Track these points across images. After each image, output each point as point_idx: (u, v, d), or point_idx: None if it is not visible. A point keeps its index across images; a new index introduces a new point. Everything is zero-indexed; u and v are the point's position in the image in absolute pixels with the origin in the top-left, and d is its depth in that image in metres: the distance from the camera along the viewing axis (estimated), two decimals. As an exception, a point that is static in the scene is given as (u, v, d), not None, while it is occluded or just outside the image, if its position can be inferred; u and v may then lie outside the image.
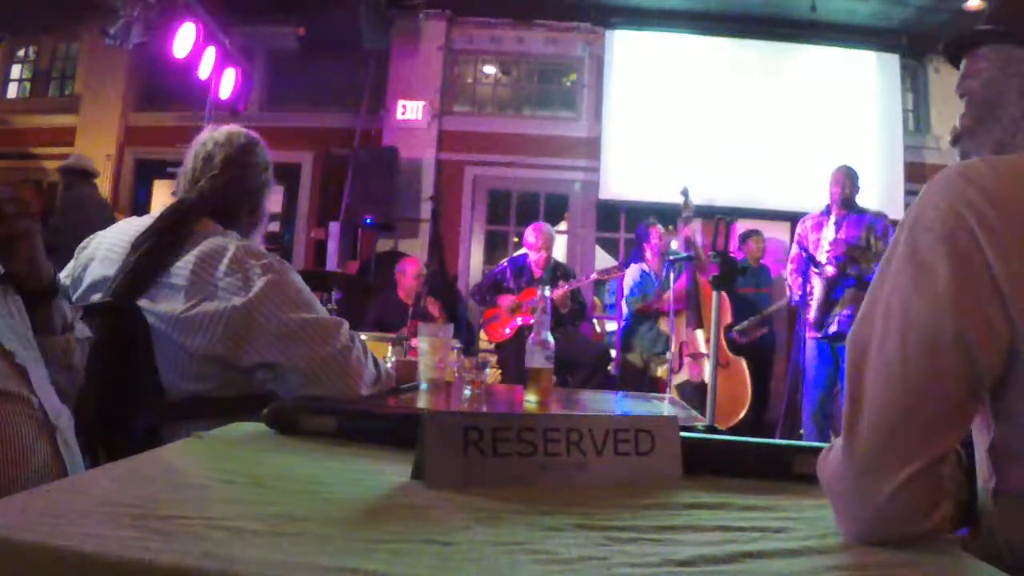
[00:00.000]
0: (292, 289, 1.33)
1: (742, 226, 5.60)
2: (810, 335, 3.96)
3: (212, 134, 1.52)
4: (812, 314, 3.91)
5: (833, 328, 3.91)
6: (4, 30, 5.99)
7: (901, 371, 0.65)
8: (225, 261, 1.31)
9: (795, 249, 4.17)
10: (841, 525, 0.67)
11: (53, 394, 1.00)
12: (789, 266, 4.23)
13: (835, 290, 3.92)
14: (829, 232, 3.98)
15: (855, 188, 4.04)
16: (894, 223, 6.10)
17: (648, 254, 4.73)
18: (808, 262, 3.93)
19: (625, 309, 4.75)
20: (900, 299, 0.67)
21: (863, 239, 3.93)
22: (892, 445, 0.64)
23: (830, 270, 3.88)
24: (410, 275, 4.70)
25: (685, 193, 4.58)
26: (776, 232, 6.26)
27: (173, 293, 1.30)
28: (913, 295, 0.66)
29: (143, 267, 1.32)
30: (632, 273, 4.69)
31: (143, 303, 1.30)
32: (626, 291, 4.71)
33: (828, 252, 3.91)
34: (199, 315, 1.27)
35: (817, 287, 3.93)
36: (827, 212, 4.07)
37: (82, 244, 1.50)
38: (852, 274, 3.90)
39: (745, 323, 4.82)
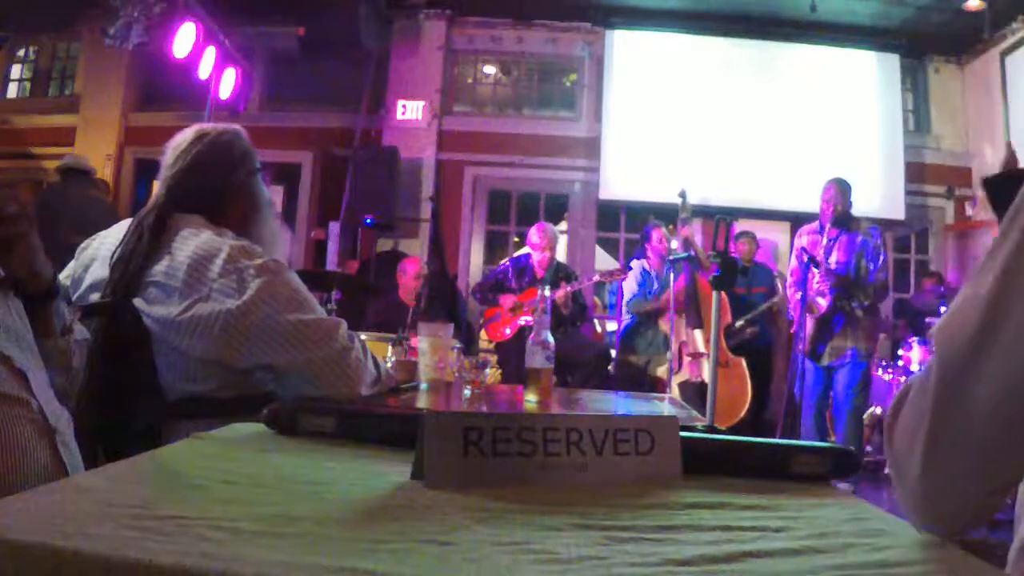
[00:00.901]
0: (288, 290, 1.31)
1: (739, 227, 5.60)
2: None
3: (173, 139, 1.53)
4: (806, 347, 3.84)
5: (826, 361, 3.88)
6: (6, 29, 5.98)
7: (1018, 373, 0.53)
8: (219, 262, 1.30)
9: (794, 262, 4.07)
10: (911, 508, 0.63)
11: (53, 397, 1.00)
12: (789, 279, 4.20)
13: (828, 322, 3.87)
14: (823, 254, 3.88)
15: (848, 203, 3.91)
16: (898, 224, 6.13)
17: (649, 254, 4.74)
18: (807, 269, 3.86)
19: (626, 315, 4.75)
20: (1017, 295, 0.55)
21: (853, 264, 3.84)
22: (992, 461, 0.57)
23: (822, 302, 3.80)
24: (410, 275, 4.70)
25: (683, 195, 4.58)
26: (776, 233, 6.27)
27: (168, 295, 1.29)
28: None
29: (121, 272, 1.33)
30: (634, 271, 4.70)
31: (139, 304, 1.30)
32: (627, 294, 4.71)
33: (819, 283, 3.81)
34: (194, 318, 1.26)
35: (808, 322, 3.83)
36: (820, 229, 3.97)
37: (83, 244, 1.50)
38: (843, 307, 3.83)
39: (734, 324, 4.82)
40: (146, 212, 1.41)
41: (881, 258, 3.87)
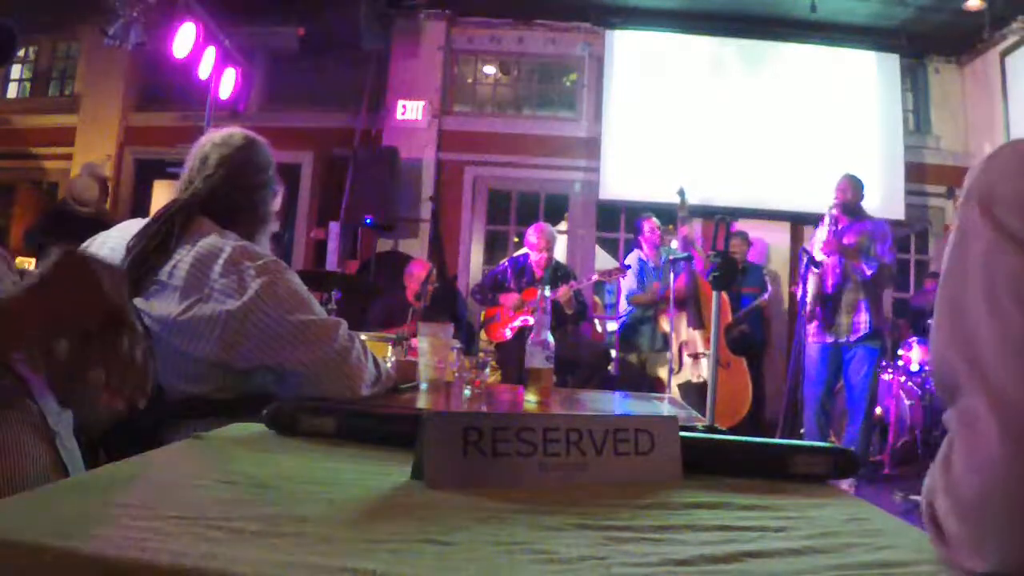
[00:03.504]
0: (288, 290, 1.31)
1: (737, 228, 5.60)
2: (812, 339, 3.96)
3: (211, 135, 1.52)
4: (808, 309, 3.95)
5: (844, 335, 3.97)
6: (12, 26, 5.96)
7: None
8: (221, 262, 1.30)
9: (805, 258, 4.21)
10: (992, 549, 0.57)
11: (52, 399, 0.99)
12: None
13: (838, 291, 3.95)
14: (829, 235, 4.03)
15: (859, 195, 4.13)
16: (898, 224, 6.13)
17: (643, 245, 4.76)
18: (807, 267, 3.95)
19: (624, 305, 4.75)
20: (1004, 280, 0.57)
21: (860, 244, 4.00)
22: None
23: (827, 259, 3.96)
24: (417, 278, 4.70)
25: (681, 192, 4.59)
26: (776, 232, 6.27)
27: (169, 294, 1.29)
28: (1020, 269, 0.57)
29: (134, 268, 1.32)
30: (630, 261, 4.71)
31: (139, 304, 1.30)
32: (625, 288, 4.72)
33: (827, 258, 3.96)
34: (194, 319, 1.26)
35: (811, 285, 3.96)
36: (833, 220, 4.12)
37: (84, 244, 1.50)
38: (851, 274, 3.96)
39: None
40: (176, 210, 1.40)
41: (888, 240, 4.06)
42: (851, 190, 4.12)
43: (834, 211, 4.10)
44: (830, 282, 3.99)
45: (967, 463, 0.59)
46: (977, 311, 0.58)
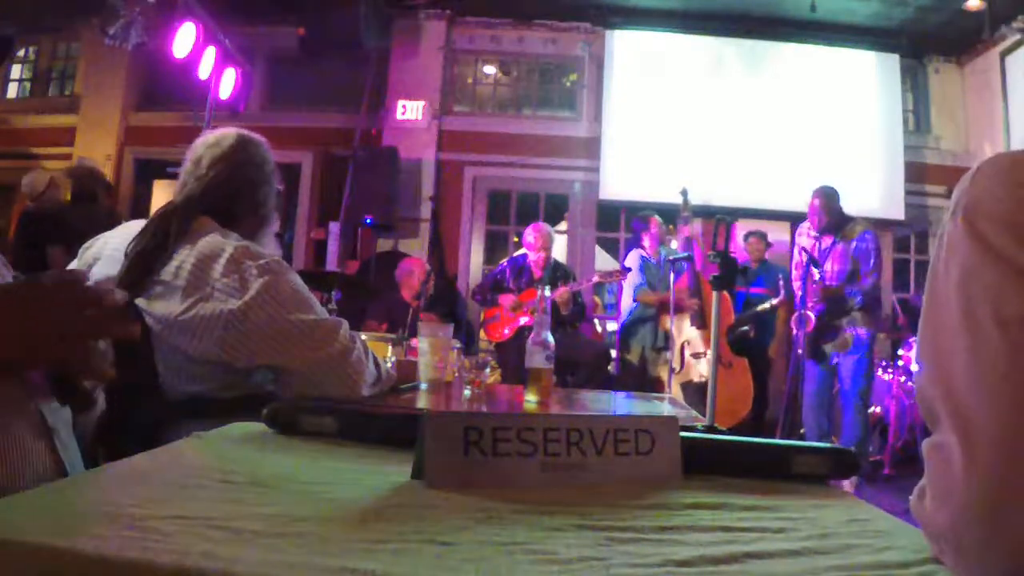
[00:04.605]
0: (289, 290, 1.32)
1: (744, 227, 5.61)
2: (807, 340, 3.97)
3: (204, 137, 1.53)
4: (803, 347, 3.93)
5: (838, 352, 4.02)
6: (9, 26, 5.95)
7: (1014, 368, 0.52)
8: (222, 262, 1.30)
9: (798, 256, 4.17)
10: None
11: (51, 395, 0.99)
12: (794, 273, 4.25)
13: (821, 336, 3.99)
14: (823, 264, 4.00)
15: (836, 208, 4.00)
16: (898, 224, 6.13)
17: (646, 242, 4.74)
18: (807, 268, 3.93)
19: (628, 302, 4.73)
20: (983, 296, 0.56)
21: (848, 270, 3.96)
22: None
23: (811, 316, 3.94)
24: (416, 277, 4.70)
25: (684, 193, 4.58)
26: (776, 232, 6.27)
27: (171, 294, 1.29)
28: (1000, 285, 0.55)
29: (134, 269, 1.32)
30: (632, 260, 4.70)
31: (141, 304, 1.30)
32: (628, 288, 4.70)
33: (812, 302, 3.94)
34: (196, 318, 1.27)
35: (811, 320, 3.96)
36: (818, 235, 4.09)
37: (86, 244, 1.50)
38: (835, 324, 4.00)
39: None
40: (172, 211, 1.40)
41: (872, 260, 3.96)
42: (827, 208, 3.95)
43: (812, 231, 4.05)
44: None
45: (935, 495, 0.57)
46: (953, 329, 0.56)
